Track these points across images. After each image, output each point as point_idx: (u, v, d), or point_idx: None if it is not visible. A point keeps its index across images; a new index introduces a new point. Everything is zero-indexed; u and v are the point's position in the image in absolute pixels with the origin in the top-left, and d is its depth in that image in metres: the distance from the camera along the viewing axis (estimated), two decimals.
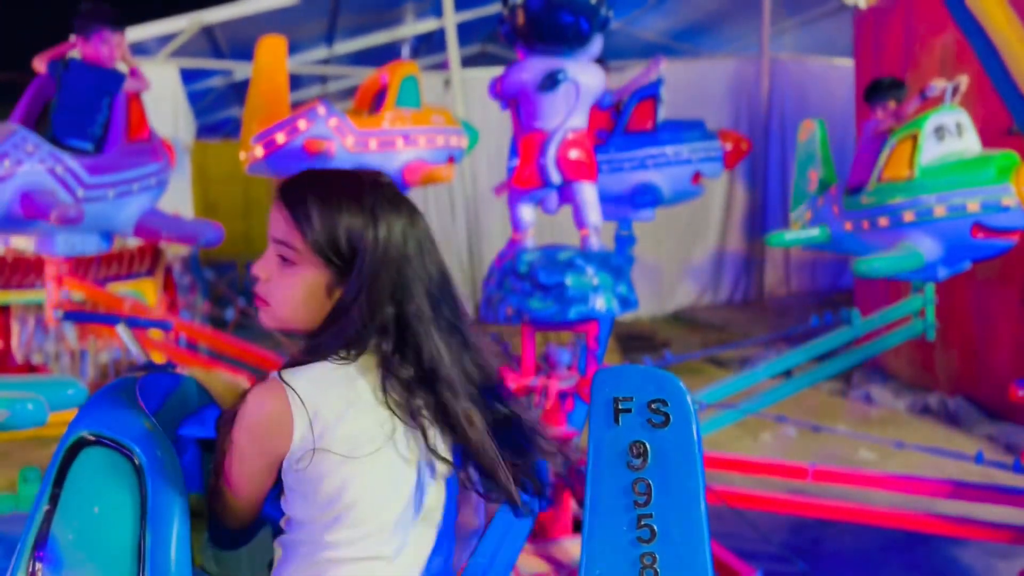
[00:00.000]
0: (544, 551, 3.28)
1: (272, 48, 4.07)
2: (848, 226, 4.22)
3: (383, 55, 10.14)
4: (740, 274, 10.00)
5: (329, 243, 1.25)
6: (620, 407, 1.22)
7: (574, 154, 3.18)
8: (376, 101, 4.79)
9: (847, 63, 8.57)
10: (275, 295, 1.29)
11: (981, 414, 5.45)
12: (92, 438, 1.24)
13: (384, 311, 1.26)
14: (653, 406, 1.21)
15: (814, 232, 4.40)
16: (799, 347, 4.03)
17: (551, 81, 3.09)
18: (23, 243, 3.49)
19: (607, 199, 4.11)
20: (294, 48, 9.80)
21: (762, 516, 3.38)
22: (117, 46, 3.53)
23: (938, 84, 3.96)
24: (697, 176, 4.76)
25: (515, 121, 3.42)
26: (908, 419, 5.69)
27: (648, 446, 1.20)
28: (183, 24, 8.45)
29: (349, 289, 1.26)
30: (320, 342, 1.26)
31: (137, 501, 1.21)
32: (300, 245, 1.26)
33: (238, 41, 9.20)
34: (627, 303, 3.18)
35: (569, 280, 3.07)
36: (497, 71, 3.69)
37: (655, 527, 1.19)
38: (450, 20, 8.98)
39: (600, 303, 3.08)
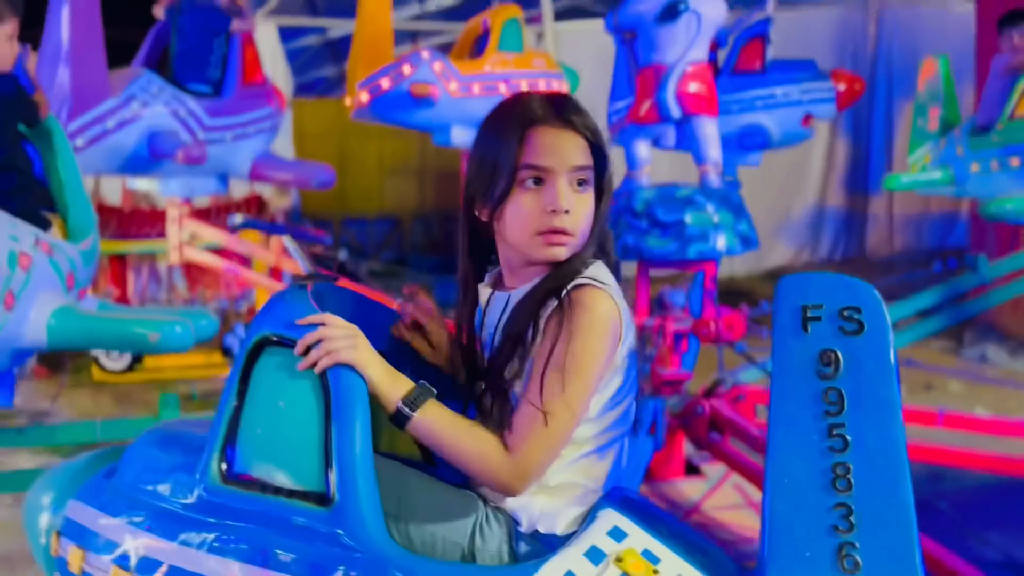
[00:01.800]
0: (657, 491, 3.26)
1: None
2: (975, 167, 4.01)
3: (475, 10, 10.04)
4: (840, 231, 9.65)
5: (605, 160, 1.33)
6: (809, 315, 1.17)
7: (694, 87, 3.07)
8: (477, 45, 4.75)
9: (963, 8, 8.08)
10: (579, 222, 1.30)
11: None
12: (275, 338, 1.25)
13: None
14: (845, 313, 1.15)
15: (936, 174, 4.20)
16: (923, 292, 3.85)
17: (672, 12, 2.99)
18: (145, 185, 3.60)
19: None
20: None
21: None
22: None
23: None
24: (808, 118, 4.57)
25: (630, 55, 3.33)
26: None
27: (840, 354, 1.15)
28: None
29: (603, 200, 1.33)
30: (589, 252, 1.32)
31: (321, 398, 1.22)
32: (591, 165, 1.31)
33: None
34: (748, 242, 3.09)
35: (689, 218, 2.99)
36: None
37: (848, 436, 1.13)
38: None
39: (721, 241, 3.00)
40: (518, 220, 1.29)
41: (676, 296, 3.28)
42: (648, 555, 1.18)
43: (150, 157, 3.24)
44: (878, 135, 9.40)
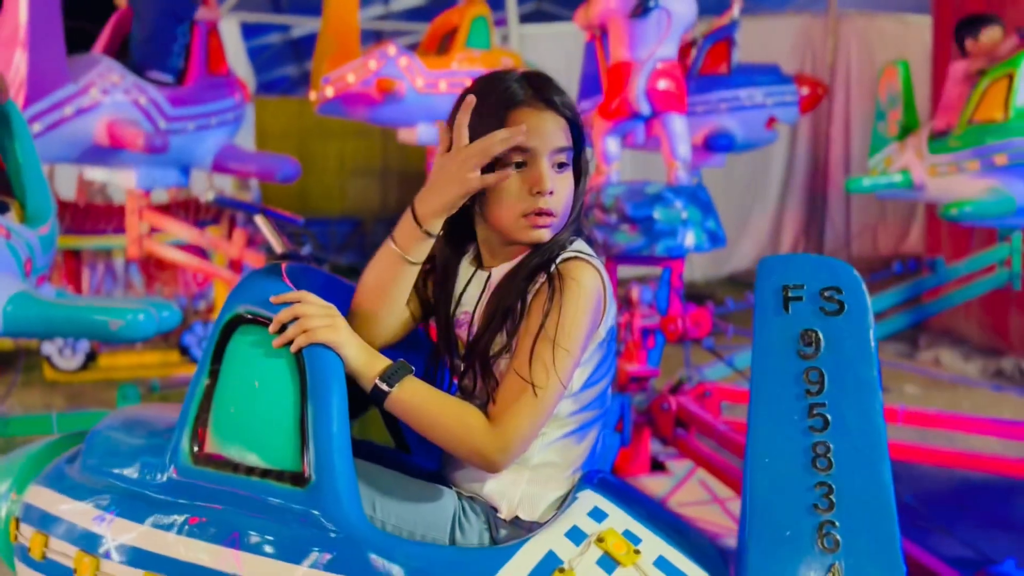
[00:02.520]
0: None
1: None
2: (933, 171, 4.08)
3: (440, 10, 10.01)
4: (799, 236, 9.80)
5: (582, 140, 1.33)
6: (790, 295, 1.17)
7: (664, 84, 3.09)
8: (445, 42, 4.74)
9: (919, 19, 8.27)
10: (561, 203, 1.30)
11: None
12: (249, 316, 1.22)
13: None
14: (826, 294, 1.16)
15: (896, 177, 4.27)
16: (884, 293, 3.91)
17: (642, 8, 3.00)
18: (102, 176, 3.51)
19: None
20: None
21: None
22: None
23: None
24: (772, 121, 4.64)
25: (599, 51, 3.34)
26: (980, 382, 5.54)
27: (821, 334, 1.15)
28: None
29: (581, 181, 1.34)
30: (569, 231, 1.31)
31: (296, 376, 1.19)
32: (571, 146, 1.30)
33: None
34: (716, 239, 3.11)
35: (658, 214, 3.01)
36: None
37: (828, 416, 1.14)
38: None
39: (690, 238, 3.01)
40: (502, 203, 1.28)
41: (643, 292, 3.29)
42: (629, 535, 1.17)
43: (109, 146, 3.16)
44: (836, 143, 9.56)
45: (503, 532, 1.27)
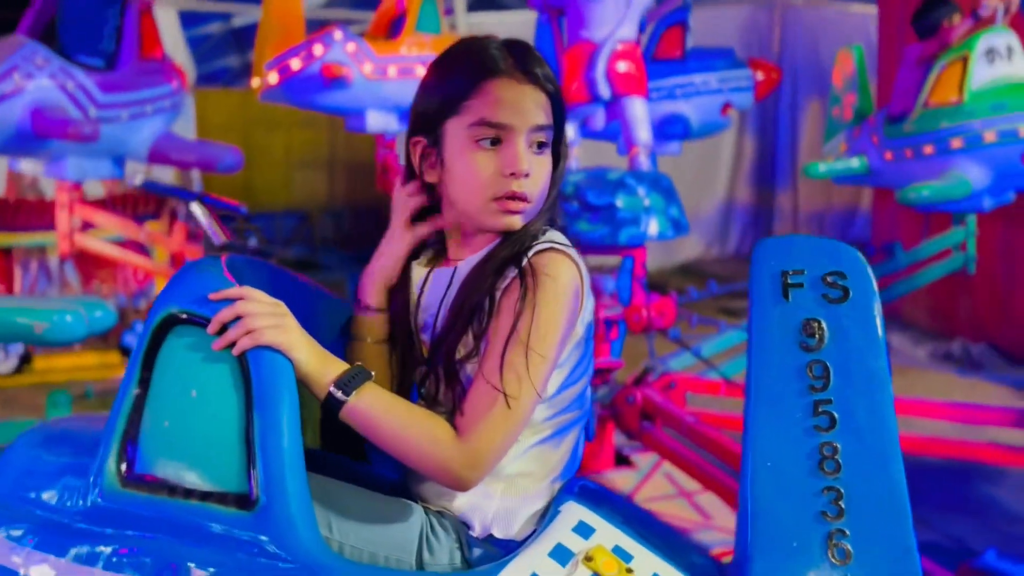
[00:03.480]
0: None
1: None
2: (889, 155, 4.07)
3: None
4: (748, 225, 9.89)
5: (563, 120, 1.21)
6: (790, 281, 1.07)
7: (624, 67, 2.99)
8: (393, 27, 4.58)
9: (863, 9, 8.36)
10: (537, 188, 1.17)
11: (1006, 361, 5.34)
12: (184, 315, 1.07)
13: None
14: (829, 279, 1.06)
15: (853, 163, 4.24)
16: None
17: None
18: (30, 167, 3.28)
19: None
20: None
21: None
22: None
23: (990, 3, 3.79)
24: (727, 107, 4.59)
25: (556, 33, 3.23)
26: (929, 366, 5.59)
27: (824, 324, 1.05)
28: None
29: (559, 164, 1.21)
30: (543, 220, 1.19)
31: (240, 384, 1.04)
32: (551, 125, 1.18)
33: None
34: (679, 227, 3.02)
35: (620, 201, 2.90)
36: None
37: (835, 414, 1.04)
38: None
39: (653, 226, 2.92)
40: (471, 183, 1.15)
41: (605, 282, 3.19)
42: (619, 552, 1.06)
43: (34, 135, 2.95)
44: (784, 131, 9.66)
45: (476, 551, 1.15)
